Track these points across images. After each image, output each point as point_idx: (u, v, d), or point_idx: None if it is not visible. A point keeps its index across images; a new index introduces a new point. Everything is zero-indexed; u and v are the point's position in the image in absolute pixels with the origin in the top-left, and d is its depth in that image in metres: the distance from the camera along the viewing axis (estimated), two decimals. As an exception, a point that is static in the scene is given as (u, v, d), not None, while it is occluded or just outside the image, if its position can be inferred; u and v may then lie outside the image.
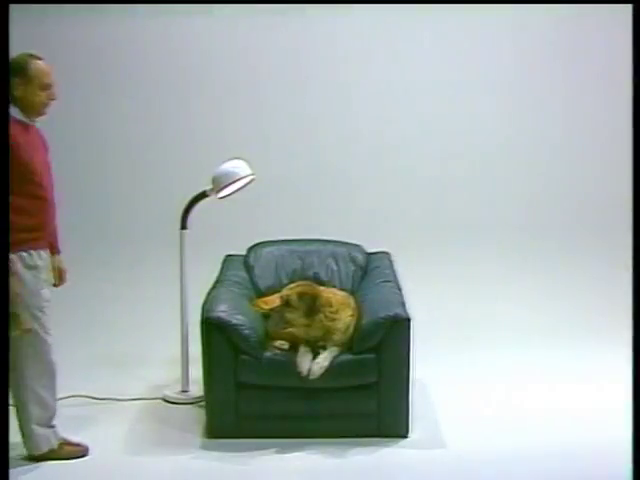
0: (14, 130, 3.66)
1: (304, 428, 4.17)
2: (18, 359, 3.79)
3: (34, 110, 3.78)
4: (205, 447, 4.13)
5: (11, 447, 3.88)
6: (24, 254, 3.74)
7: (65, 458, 3.96)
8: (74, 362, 5.17)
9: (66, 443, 4.02)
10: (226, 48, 6.26)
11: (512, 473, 3.89)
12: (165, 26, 6.16)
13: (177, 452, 4.06)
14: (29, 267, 3.76)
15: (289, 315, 4.22)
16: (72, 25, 6.10)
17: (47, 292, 3.88)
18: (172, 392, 4.73)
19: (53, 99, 3.81)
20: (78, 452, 4.01)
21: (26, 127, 3.77)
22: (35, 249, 3.79)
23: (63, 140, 6.42)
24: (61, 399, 4.58)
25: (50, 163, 3.93)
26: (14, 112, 3.71)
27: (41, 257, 3.84)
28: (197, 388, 4.57)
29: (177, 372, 4.75)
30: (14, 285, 3.65)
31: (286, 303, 4.23)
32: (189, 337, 4.68)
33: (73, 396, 4.61)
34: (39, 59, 3.77)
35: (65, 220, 6.09)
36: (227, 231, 6.01)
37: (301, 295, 4.24)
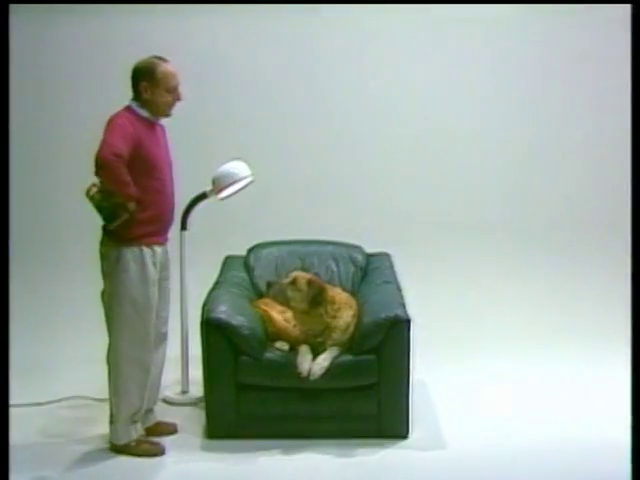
0: (139, 127, 3.77)
1: (304, 429, 4.17)
2: (119, 350, 3.92)
3: (160, 111, 3.90)
4: (205, 448, 4.13)
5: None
6: (135, 249, 3.82)
7: (140, 455, 3.98)
8: (74, 362, 5.18)
9: (144, 441, 4.05)
10: (227, 49, 6.25)
11: (512, 473, 3.89)
12: (165, 26, 6.15)
13: (177, 453, 4.06)
14: (137, 263, 3.83)
15: (291, 293, 4.23)
16: (72, 25, 6.09)
17: (154, 289, 3.93)
18: (172, 393, 4.73)
19: (179, 100, 3.91)
20: (154, 450, 4.02)
21: (152, 125, 3.88)
22: (148, 245, 3.87)
23: (63, 139, 6.45)
24: (61, 400, 4.60)
25: (171, 159, 4.03)
26: (142, 111, 3.82)
27: (155, 253, 3.90)
28: (197, 389, 4.57)
29: (177, 373, 4.75)
30: (120, 279, 3.81)
31: (293, 282, 4.24)
32: (189, 338, 4.68)
33: (73, 396, 4.61)
34: (165, 61, 3.87)
35: (65, 220, 6.14)
36: (227, 232, 6.01)
37: (310, 282, 4.25)
